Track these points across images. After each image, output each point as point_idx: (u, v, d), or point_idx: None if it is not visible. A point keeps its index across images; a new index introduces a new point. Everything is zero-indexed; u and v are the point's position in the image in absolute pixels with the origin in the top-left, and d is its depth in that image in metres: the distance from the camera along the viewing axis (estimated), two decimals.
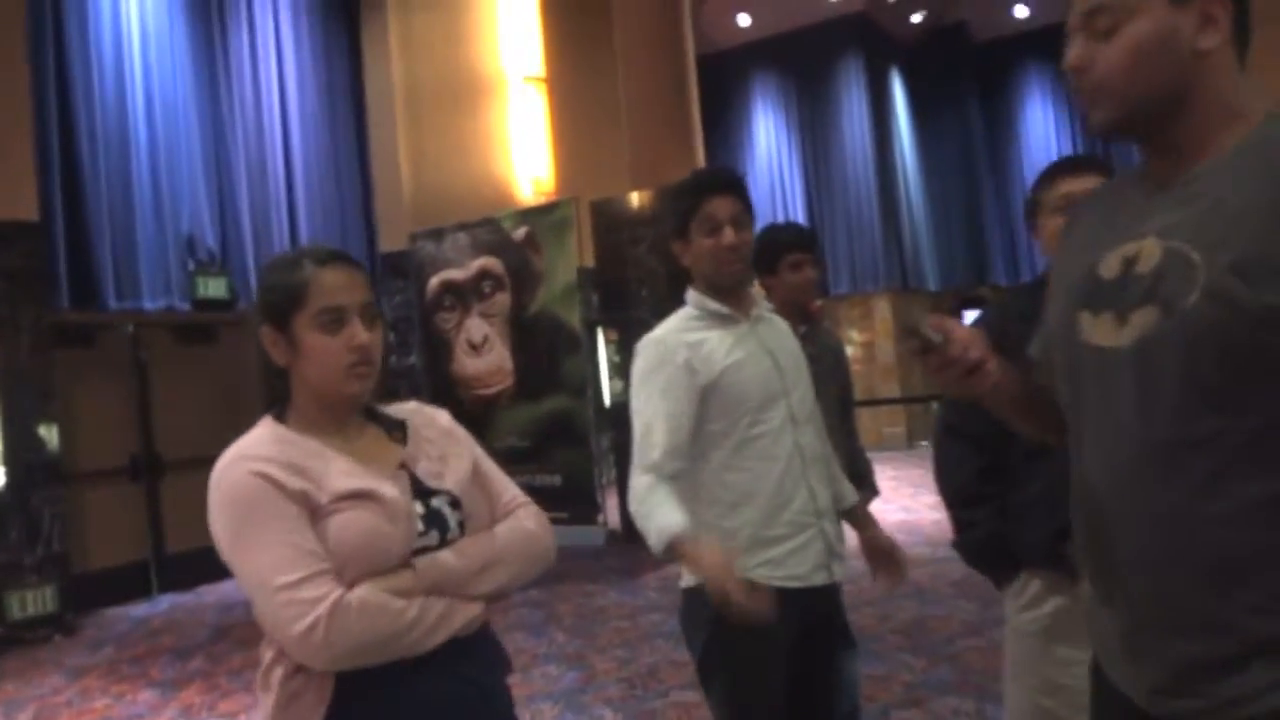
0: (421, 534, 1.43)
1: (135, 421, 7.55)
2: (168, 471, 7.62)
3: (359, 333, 1.43)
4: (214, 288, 8.02)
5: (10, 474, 6.20)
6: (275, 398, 1.50)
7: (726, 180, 2.19)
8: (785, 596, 2.07)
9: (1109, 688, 1.24)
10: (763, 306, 2.27)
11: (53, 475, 6.46)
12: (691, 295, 2.21)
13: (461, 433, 1.62)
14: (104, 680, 5.16)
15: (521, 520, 1.56)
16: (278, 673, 1.41)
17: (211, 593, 7.30)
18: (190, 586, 7.43)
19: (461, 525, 1.49)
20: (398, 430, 1.55)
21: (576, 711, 4.02)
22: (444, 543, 1.45)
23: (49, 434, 6.44)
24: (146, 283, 7.57)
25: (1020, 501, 2.08)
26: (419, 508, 1.45)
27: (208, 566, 7.39)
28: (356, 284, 1.46)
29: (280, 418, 1.49)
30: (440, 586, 1.41)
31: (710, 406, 2.09)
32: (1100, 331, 1.18)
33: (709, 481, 2.10)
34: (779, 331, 2.28)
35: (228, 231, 8.30)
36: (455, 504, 1.49)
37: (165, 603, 7.12)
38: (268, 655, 1.44)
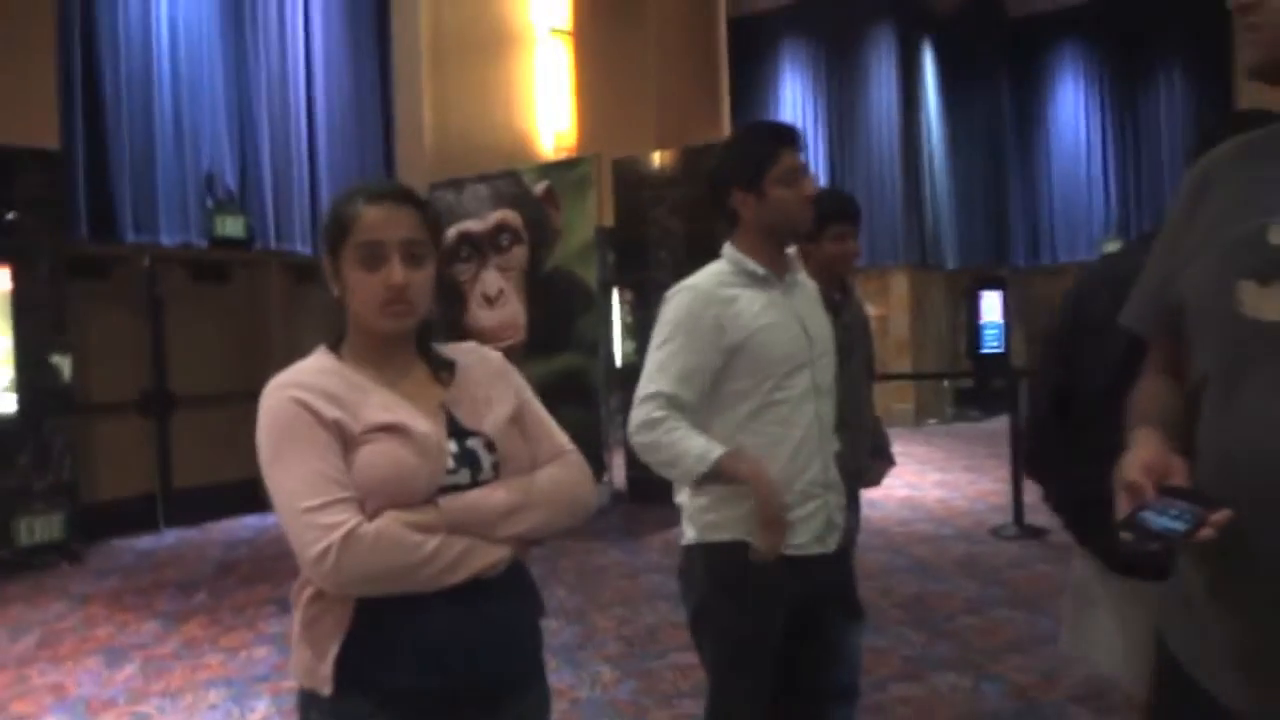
0: (451, 472, 1.44)
1: (148, 356, 7.57)
2: (178, 407, 7.65)
3: (395, 271, 1.43)
4: (231, 226, 7.99)
5: (22, 401, 6.23)
6: (335, 329, 1.53)
7: (796, 133, 2.18)
8: (781, 563, 2.07)
9: (1186, 681, 1.17)
10: (798, 270, 2.24)
11: (64, 405, 6.49)
12: (729, 251, 2.17)
13: (514, 377, 1.62)
14: (108, 609, 5.22)
15: (561, 468, 1.56)
16: (305, 594, 1.46)
17: (216, 529, 7.36)
18: (196, 522, 7.48)
19: (496, 467, 1.49)
20: (445, 370, 1.55)
21: (575, 667, 4.05)
22: (475, 483, 1.46)
23: (61, 363, 6.46)
24: (164, 217, 7.55)
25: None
26: (452, 446, 1.46)
27: (214, 503, 7.58)
28: (402, 221, 1.45)
29: (335, 349, 1.51)
30: (465, 525, 1.42)
31: (735, 367, 2.07)
32: (1272, 305, 1.07)
33: (726, 442, 2.07)
34: (810, 298, 2.25)
35: (247, 171, 8.25)
36: (491, 446, 1.49)
37: (171, 537, 7.18)
38: (302, 575, 1.46)
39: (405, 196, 1.49)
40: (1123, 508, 1.08)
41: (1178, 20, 14.52)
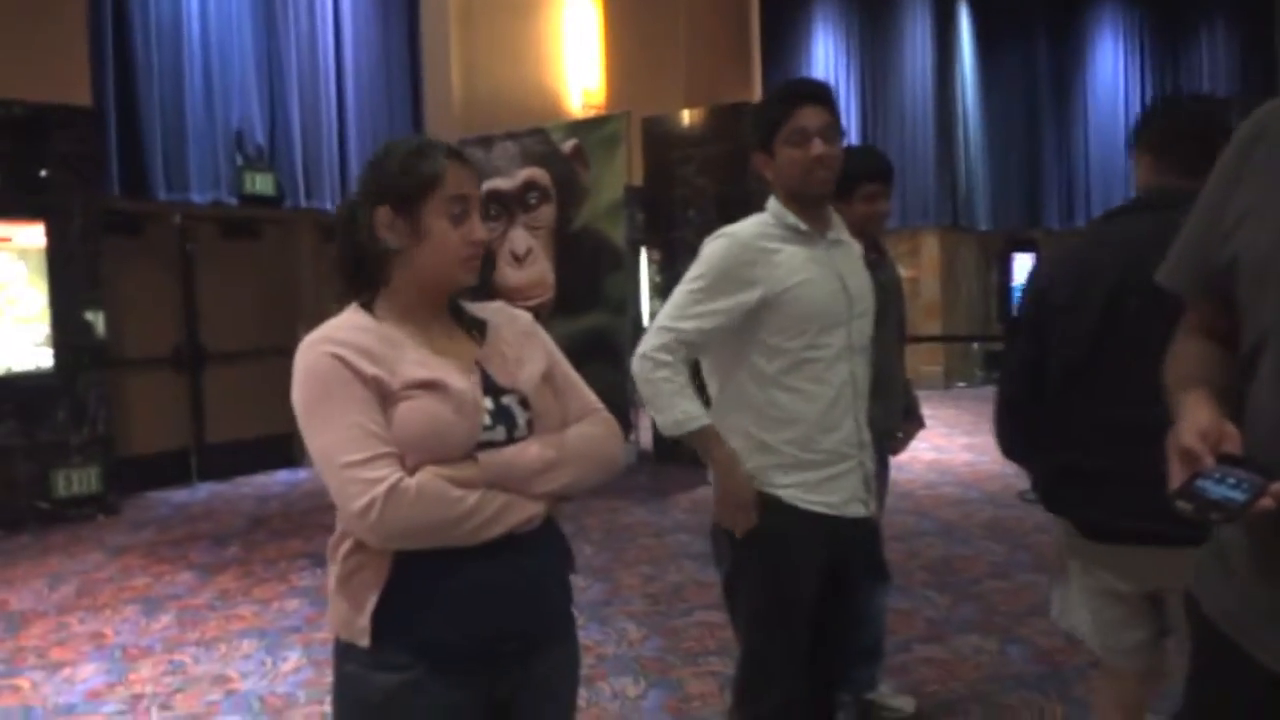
0: (488, 428, 1.47)
1: (180, 312, 7.65)
2: (210, 363, 7.74)
3: (478, 227, 1.50)
4: (261, 184, 8.01)
5: (58, 357, 6.33)
6: (364, 285, 1.52)
7: (816, 90, 2.13)
8: (815, 521, 2.07)
9: (1224, 643, 1.16)
10: (840, 229, 2.21)
11: (99, 360, 6.58)
12: (772, 204, 2.15)
13: (543, 336, 1.64)
14: (144, 560, 5.33)
15: (592, 425, 1.59)
16: (343, 548, 1.48)
17: (248, 484, 7.47)
18: (228, 476, 7.60)
19: (530, 424, 1.52)
20: (477, 328, 1.58)
21: (601, 623, 4.09)
22: (510, 439, 1.48)
23: (95, 320, 6.54)
24: (195, 175, 7.58)
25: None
26: (488, 403, 1.48)
27: (246, 458, 7.70)
28: (475, 180, 1.53)
29: (367, 306, 1.52)
30: (503, 481, 1.45)
31: (770, 319, 2.06)
32: None
33: (756, 394, 2.09)
34: (852, 257, 2.23)
35: (277, 129, 8.26)
36: (525, 403, 1.52)
37: (204, 490, 7.30)
38: (338, 529, 1.49)
39: (467, 157, 1.54)
40: (1177, 476, 1.04)
41: None
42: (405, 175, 1.47)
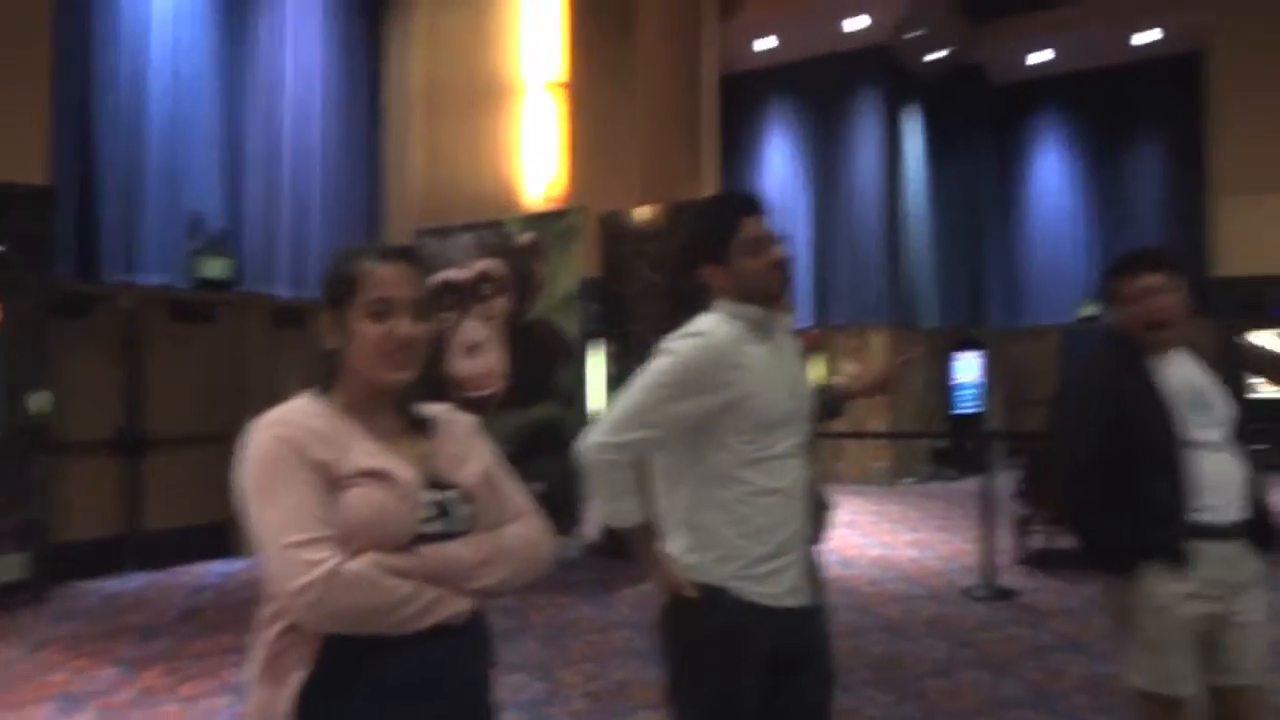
0: (428, 520, 1.52)
1: (125, 395, 7.53)
2: (154, 448, 7.60)
3: (402, 325, 1.54)
4: (216, 268, 8.01)
5: (2, 438, 6.18)
6: (323, 378, 1.60)
7: (757, 201, 2.23)
8: (761, 613, 2.09)
9: None
10: (784, 329, 2.29)
11: (41, 442, 6.43)
12: (725, 305, 2.19)
13: (483, 438, 1.71)
14: (66, 653, 5.13)
15: (525, 526, 1.65)
16: (272, 630, 1.49)
17: (186, 573, 7.27)
18: (165, 565, 7.39)
19: (471, 519, 1.57)
20: (425, 425, 1.63)
21: None
22: (449, 534, 1.53)
23: (42, 401, 6.41)
24: (148, 257, 7.57)
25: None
26: (431, 496, 1.53)
27: (183, 546, 7.50)
28: (410, 280, 1.57)
29: (322, 394, 1.59)
30: (441, 575, 1.49)
31: (729, 422, 2.10)
32: None
33: (706, 487, 2.12)
34: (796, 356, 2.30)
35: (235, 213, 8.30)
36: (467, 499, 1.57)
37: (138, 580, 7.09)
38: (265, 614, 1.51)
39: (412, 256, 1.61)
40: None
41: (1156, 90, 14.94)
42: (334, 280, 1.57)
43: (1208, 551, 2.42)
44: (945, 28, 14.05)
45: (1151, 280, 2.52)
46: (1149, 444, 2.44)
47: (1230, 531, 2.44)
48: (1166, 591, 2.43)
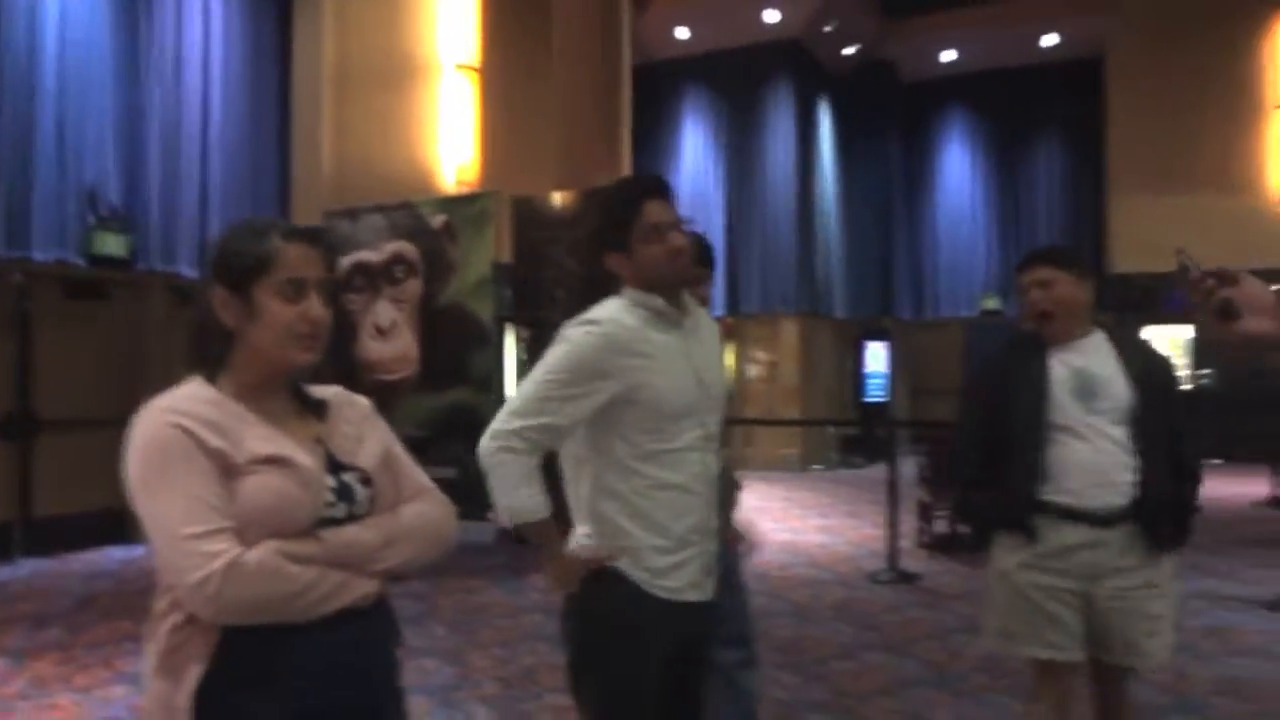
0: (330, 505, 1.48)
1: (13, 376, 7.20)
2: (44, 431, 7.29)
3: (315, 306, 1.50)
4: (113, 245, 7.71)
5: None
6: (208, 360, 1.52)
7: (659, 185, 2.17)
8: (661, 606, 2.09)
9: None
10: (697, 314, 2.24)
11: None
12: (630, 293, 2.14)
13: (379, 420, 1.68)
14: None
15: (426, 504, 1.63)
16: (168, 622, 1.44)
17: (78, 560, 7.01)
18: (55, 552, 7.11)
19: (371, 501, 1.54)
20: (318, 407, 1.59)
21: (449, 708, 3.98)
22: (351, 517, 1.50)
23: None
24: (40, 232, 7.25)
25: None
26: (330, 480, 1.50)
27: (77, 533, 7.22)
28: (318, 260, 1.53)
29: (210, 379, 1.51)
30: (343, 558, 1.46)
31: (626, 413, 2.06)
32: None
33: (607, 478, 2.09)
34: (711, 345, 2.25)
35: (135, 190, 8.00)
36: (366, 481, 1.55)
37: (27, 568, 6.80)
38: (160, 605, 1.45)
39: (319, 237, 1.56)
40: None
41: (1057, 91, 15.50)
42: (238, 256, 1.49)
43: (1065, 532, 2.53)
44: (858, 24, 14.32)
45: (1040, 274, 2.63)
46: (1017, 428, 2.57)
47: (1094, 517, 2.51)
48: (1007, 560, 2.64)
